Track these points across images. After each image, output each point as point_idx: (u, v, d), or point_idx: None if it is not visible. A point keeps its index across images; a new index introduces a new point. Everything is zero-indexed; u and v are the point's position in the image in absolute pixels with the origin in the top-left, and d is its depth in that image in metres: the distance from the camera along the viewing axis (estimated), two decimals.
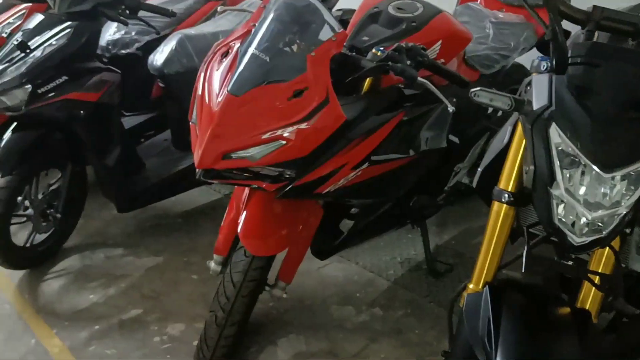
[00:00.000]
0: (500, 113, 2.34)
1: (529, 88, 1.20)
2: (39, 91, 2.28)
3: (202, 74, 1.63)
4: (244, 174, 1.56)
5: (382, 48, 1.66)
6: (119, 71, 2.56)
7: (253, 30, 1.64)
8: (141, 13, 2.56)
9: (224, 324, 1.83)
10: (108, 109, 2.52)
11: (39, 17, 2.45)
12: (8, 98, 2.28)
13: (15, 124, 2.40)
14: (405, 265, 2.55)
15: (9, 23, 3.01)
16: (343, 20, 2.00)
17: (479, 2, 2.75)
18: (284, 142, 1.49)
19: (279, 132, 1.49)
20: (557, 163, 1.09)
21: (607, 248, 1.23)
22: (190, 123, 1.62)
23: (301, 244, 1.89)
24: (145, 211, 2.91)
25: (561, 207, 1.10)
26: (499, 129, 1.47)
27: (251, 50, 1.56)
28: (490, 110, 2.35)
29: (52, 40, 2.33)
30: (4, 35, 2.90)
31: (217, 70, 1.60)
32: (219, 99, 1.51)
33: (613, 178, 1.06)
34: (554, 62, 1.15)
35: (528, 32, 2.50)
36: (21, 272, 2.55)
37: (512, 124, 1.39)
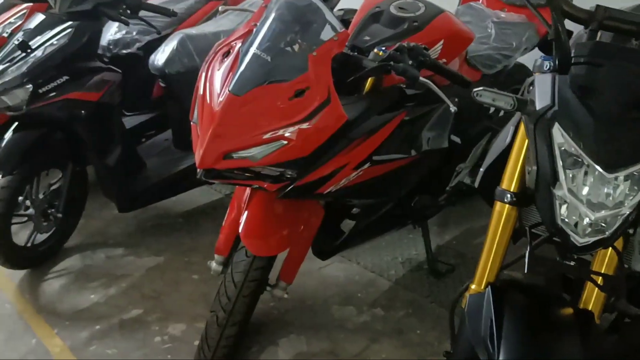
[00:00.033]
0: (502, 113, 2.34)
1: (531, 88, 1.20)
2: (40, 91, 2.28)
3: (204, 74, 1.63)
4: (245, 174, 1.56)
5: (383, 48, 1.66)
6: (120, 71, 2.56)
7: (254, 30, 1.64)
8: (142, 13, 2.56)
9: (225, 324, 1.83)
10: (109, 109, 2.51)
11: (40, 17, 2.45)
12: (9, 98, 2.28)
13: (16, 123, 2.40)
14: (407, 266, 2.54)
15: (10, 23, 3.01)
16: (345, 20, 2.00)
17: (480, 1, 2.74)
18: (285, 142, 1.49)
19: (280, 132, 1.49)
20: (560, 163, 1.08)
21: (610, 249, 1.23)
22: (192, 123, 1.62)
23: (302, 244, 1.88)
24: (146, 211, 2.91)
25: (564, 207, 1.09)
26: (501, 129, 1.47)
27: (252, 50, 1.56)
28: (492, 110, 2.34)
29: (53, 40, 2.33)
30: (5, 35, 2.90)
31: (218, 70, 1.60)
32: (220, 99, 1.51)
33: (616, 178, 1.05)
34: (556, 61, 1.14)
35: (530, 32, 2.49)
36: (22, 272, 2.55)
37: (515, 124, 1.38)
